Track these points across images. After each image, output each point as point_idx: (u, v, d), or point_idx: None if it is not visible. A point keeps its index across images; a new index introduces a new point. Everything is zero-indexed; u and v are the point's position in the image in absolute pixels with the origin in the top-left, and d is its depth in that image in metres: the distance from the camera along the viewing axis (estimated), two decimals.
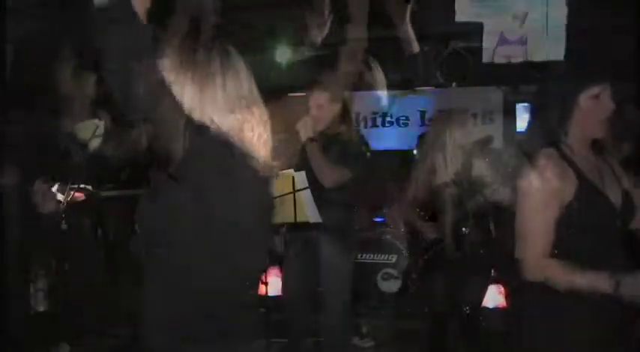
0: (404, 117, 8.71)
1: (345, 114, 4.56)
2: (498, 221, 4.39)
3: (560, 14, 5.39)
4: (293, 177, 3.43)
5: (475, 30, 7.36)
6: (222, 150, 1.94)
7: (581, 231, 2.27)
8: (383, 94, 8.95)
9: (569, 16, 5.50)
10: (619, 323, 2.32)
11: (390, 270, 6.35)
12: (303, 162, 4.20)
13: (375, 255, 6.45)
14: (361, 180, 4.47)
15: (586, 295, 2.21)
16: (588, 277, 2.23)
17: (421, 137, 7.74)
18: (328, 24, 5.30)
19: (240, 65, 2.07)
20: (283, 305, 4.47)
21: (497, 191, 4.00)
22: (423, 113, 8.58)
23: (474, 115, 7.84)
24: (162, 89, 1.91)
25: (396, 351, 5.89)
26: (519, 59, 5.52)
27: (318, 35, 5.46)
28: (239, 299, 2.05)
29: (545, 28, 5.60)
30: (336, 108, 4.45)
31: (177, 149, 1.91)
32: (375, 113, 8.86)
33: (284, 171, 3.53)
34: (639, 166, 2.90)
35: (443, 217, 4.57)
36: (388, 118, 8.77)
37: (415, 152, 8.00)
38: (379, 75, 6.39)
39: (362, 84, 9.24)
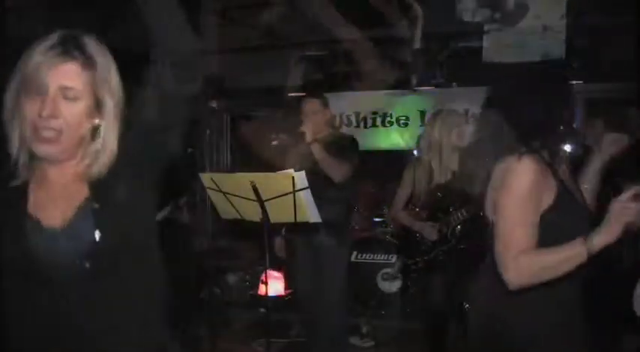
0: (404, 117, 8.70)
1: (330, 116, 5.02)
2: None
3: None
4: (293, 177, 3.42)
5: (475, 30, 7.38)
6: None
7: (558, 236, 2.26)
8: (383, 94, 8.98)
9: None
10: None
11: (390, 270, 6.35)
12: (309, 161, 4.39)
13: (375, 255, 6.46)
14: (359, 175, 4.68)
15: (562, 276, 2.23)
16: (561, 251, 2.22)
17: (420, 137, 7.76)
18: None
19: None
20: (284, 305, 4.54)
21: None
22: (422, 113, 8.57)
23: (474, 115, 7.84)
24: None
25: (395, 351, 5.89)
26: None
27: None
28: None
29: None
30: (328, 112, 4.69)
31: None
32: (374, 113, 8.84)
33: (284, 171, 3.53)
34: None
35: (442, 217, 4.58)
36: (388, 118, 8.76)
37: (415, 152, 8.01)
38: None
39: (364, 84, 9.30)
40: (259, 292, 6.59)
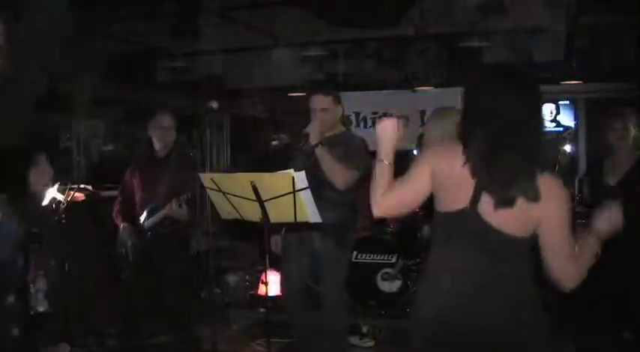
0: (404, 117, 8.70)
1: (342, 114, 4.69)
2: None
3: None
4: (293, 177, 3.42)
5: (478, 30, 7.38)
6: None
7: None
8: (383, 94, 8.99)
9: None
10: None
11: (389, 270, 6.34)
12: (313, 164, 4.28)
13: (375, 255, 6.45)
14: (366, 179, 4.52)
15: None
16: (587, 248, 2.45)
17: (420, 136, 7.76)
18: None
19: None
20: (282, 305, 4.50)
21: None
22: (422, 113, 8.58)
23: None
24: None
25: (395, 351, 5.89)
26: None
27: None
28: None
29: None
30: (339, 110, 4.54)
31: None
32: (374, 113, 8.86)
33: (284, 171, 3.53)
34: None
35: None
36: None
37: (415, 152, 8.00)
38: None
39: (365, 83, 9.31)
40: (259, 292, 6.59)
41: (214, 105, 4.08)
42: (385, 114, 8.58)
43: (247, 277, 7.10)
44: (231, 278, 7.15)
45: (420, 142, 7.56)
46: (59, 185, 5.30)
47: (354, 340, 5.93)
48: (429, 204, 2.57)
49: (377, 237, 6.61)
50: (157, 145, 4.98)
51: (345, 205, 4.48)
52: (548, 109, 8.94)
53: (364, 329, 6.13)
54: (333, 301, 4.50)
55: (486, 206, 2.36)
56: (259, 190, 3.52)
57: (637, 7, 6.75)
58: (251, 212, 3.69)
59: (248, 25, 8.60)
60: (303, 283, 4.57)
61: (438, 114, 4.59)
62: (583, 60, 8.75)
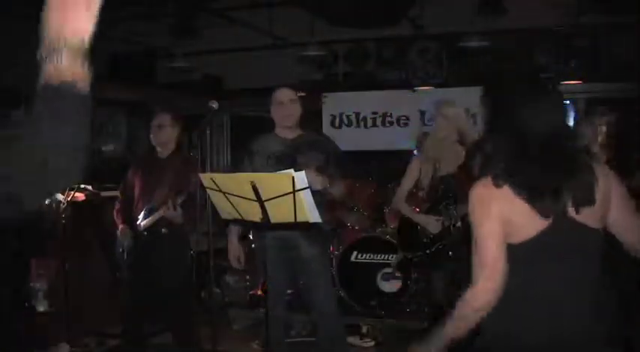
0: (404, 117, 8.71)
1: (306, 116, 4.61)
2: None
3: None
4: (293, 177, 3.42)
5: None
6: None
7: None
8: (383, 94, 8.99)
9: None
10: None
11: (390, 270, 6.35)
12: (298, 161, 4.28)
13: (375, 255, 6.46)
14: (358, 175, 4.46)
15: None
16: None
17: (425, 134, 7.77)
18: None
19: None
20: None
21: None
22: (422, 113, 8.58)
23: (473, 115, 7.85)
24: None
25: (395, 351, 5.90)
26: None
27: None
28: None
29: None
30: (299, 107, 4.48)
31: None
32: (374, 113, 8.86)
33: (284, 171, 3.53)
34: None
35: (444, 210, 4.57)
36: (388, 118, 8.77)
37: (415, 152, 8.01)
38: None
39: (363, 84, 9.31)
40: (259, 292, 6.60)
41: (214, 105, 4.07)
42: (385, 114, 8.65)
43: (247, 277, 7.11)
44: (231, 278, 7.15)
45: (421, 142, 7.59)
46: None
47: (354, 340, 5.93)
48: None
49: (377, 236, 6.62)
50: (155, 145, 4.98)
51: (321, 205, 4.38)
52: None
53: (364, 329, 6.13)
54: (329, 308, 4.46)
55: (571, 211, 2.31)
56: (259, 190, 3.52)
57: (637, 7, 6.75)
58: (251, 212, 3.69)
59: (248, 25, 8.61)
60: (286, 289, 4.53)
61: (445, 114, 4.56)
62: (583, 60, 8.75)
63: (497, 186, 2.29)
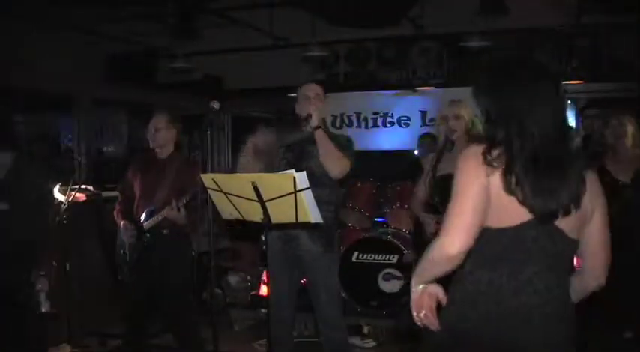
0: (405, 118, 8.71)
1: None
2: None
3: None
4: (294, 178, 3.42)
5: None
6: None
7: None
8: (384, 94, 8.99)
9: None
10: None
11: (391, 270, 6.34)
12: (304, 155, 4.24)
13: (376, 255, 6.45)
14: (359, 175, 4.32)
15: None
16: None
17: (422, 137, 7.77)
18: None
19: None
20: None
21: None
22: (423, 113, 8.58)
23: (476, 115, 7.85)
24: None
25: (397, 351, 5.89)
26: None
27: None
28: None
29: None
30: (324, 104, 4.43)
31: None
32: (375, 113, 8.86)
33: (285, 172, 3.52)
34: None
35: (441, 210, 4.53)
36: (389, 118, 8.77)
37: (416, 152, 8.00)
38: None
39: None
40: (260, 292, 6.59)
41: (215, 105, 4.06)
42: (386, 115, 8.65)
43: (248, 277, 7.11)
44: (233, 279, 7.15)
45: (422, 142, 7.59)
46: (60, 185, 5.31)
47: (355, 340, 5.92)
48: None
49: (378, 237, 6.62)
50: (153, 147, 4.97)
51: (333, 204, 4.34)
52: None
53: (365, 330, 6.13)
54: (334, 313, 4.38)
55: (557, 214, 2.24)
56: (260, 190, 3.52)
57: (637, 7, 6.75)
58: (252, 212, 3.69)
59: (248, 25, 8.60)
60: (292, 292, 4.45)
61: (460, 103, 4.46)
62: (583, 60, 8.76)
63: (490, 166, 2.21)
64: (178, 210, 4.59)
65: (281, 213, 3.61)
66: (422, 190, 4.57)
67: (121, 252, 4.94)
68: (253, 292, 6.91)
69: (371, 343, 6.04)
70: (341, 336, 4.45)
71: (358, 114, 8.90)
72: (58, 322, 5.62)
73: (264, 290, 5.99)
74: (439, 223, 4.55)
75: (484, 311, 2.28)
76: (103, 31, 8.58)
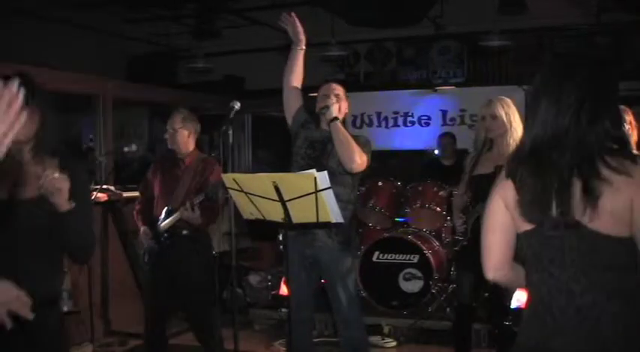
0: (425, 117, 8.69)
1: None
2: None
3: None
4: (315, 178, 3.42)
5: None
6: None
7: None
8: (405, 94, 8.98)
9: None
10: None
11: (411, 270, 6.33)
12: (320, 153, 4.23)
13: (397, 255, 6.44)
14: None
15: None
16: None
17: (442, 135, 7.75)
18: None
19: None
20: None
21: None
22: (444, 112, 8.56)
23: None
24: None
25: (417, 351, 5.88)
26: None
27: None
28: None
29: None
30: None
31: None
32: (396, 113, 8.85)
33: (306, 171, 3.52)
34: None
35: (470, 211, 4.51)
36: (410, 118, 8.76)
37: (436, 151, 7.99)
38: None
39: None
40: (281, 292, 6.60)
41: (236, 105, 4.07)
42: (407, 114, 8.64)
43: (269, 277, 7.11)
44: (253, 279, 7.16)
45: (442, 141, 7.58)
46: None
47: (375, 340, 5.92)
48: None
49: (399, 237, 6.60)
50: (171, 146, 4.96)
51: (351, 203, 4.31)
52: None
53: (386, 330, 6.13)
54: (352, 313, 4.36)
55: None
56: (281, 190, 3.52)
57: None
58: (273, 212, 3.69)
59: (269, 25, 8.62)
60: (310, 292, 4.43)
61: (497, 102, 4.40)
62: (605, 58, 8.70)
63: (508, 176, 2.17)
64: (192, 209, 4.58)
65: (302, 212, 3.61)
66: (461, 192, 4.55)
67: (142, 253, 4.97)
68: (274, 292, 6.92)
69: (391, 343, 6.03)
70: (360, 336, 4.44)
71: (378, 114, 8.90)
72: (80, 321, 5.67)
73: (284, 290, 6.00)
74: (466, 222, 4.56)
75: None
76: (125, 33, 8.64)
